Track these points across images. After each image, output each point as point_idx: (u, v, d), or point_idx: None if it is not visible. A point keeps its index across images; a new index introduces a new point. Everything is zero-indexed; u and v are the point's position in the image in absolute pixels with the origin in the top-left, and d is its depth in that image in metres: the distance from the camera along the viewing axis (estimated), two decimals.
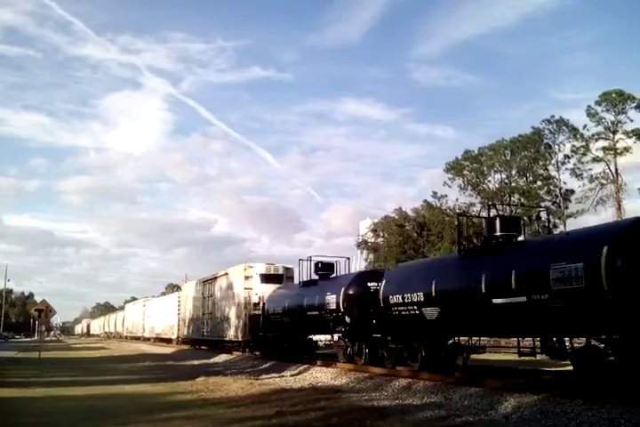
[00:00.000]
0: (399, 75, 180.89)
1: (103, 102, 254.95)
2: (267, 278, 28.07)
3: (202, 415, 10.85)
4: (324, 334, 23.41)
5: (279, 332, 24.12)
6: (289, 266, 29.15)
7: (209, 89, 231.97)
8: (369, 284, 18.63)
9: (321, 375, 18.02)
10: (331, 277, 21.94)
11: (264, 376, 18.73)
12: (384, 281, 17.06)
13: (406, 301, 15.32)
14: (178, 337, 45.19)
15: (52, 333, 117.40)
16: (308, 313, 20.88)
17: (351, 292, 18.81)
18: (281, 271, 28.73)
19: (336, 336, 20.82)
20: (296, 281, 26.41)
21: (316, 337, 25.08)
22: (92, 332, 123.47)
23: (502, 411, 10.51)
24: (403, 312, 15.55)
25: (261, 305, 26.23)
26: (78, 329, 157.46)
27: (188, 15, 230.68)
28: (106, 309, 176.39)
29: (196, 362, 27.33)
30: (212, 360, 28.68)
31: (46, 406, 12.43)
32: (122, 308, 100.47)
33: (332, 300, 19.25)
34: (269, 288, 26.90)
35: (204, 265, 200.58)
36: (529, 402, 10.54)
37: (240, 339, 28.25)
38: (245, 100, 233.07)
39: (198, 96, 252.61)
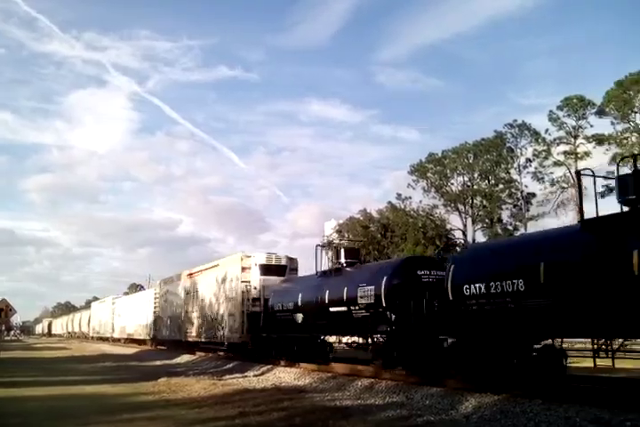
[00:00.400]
0: (365, 77, 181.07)
1: (67, 100, 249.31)
2: (267, 270, 24.51)
3: (164, 416, 10.80)
4: (355, 335, 19.33)
5: (288, 332, 20.67)
6: (292, 256, 25.83)
7: (175, 88, 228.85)
8: (419, 272, 15.48)
9: (284, 376, 18.03)
10: (359, 266, 19.09)
11: (227, 377, 18.68)
12: (452, 267, 13.44)
13: (493, 291, 11.88)
14: (154, 338, 41.29)
15: (11, 332, 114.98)
16: (332, 309, 17.52)
17: (396, 282, 15.31)
18: (284, 262, 25.10)
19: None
20: (300, 274, 24.60)
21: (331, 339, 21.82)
22: (53, 332, 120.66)
23: (463, 411, 10.64)
24: (486, 306, 12.14)
25: (262, 301, 23.39)
26: (39, 329, 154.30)
27: (154, 13, 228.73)
28: (67, 308, 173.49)
29: (158, 362, 27.13)
30: (174, 361, 28.46)
31: (6, 407, 12.20)
32: (85, 307, 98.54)
33: (368, 292, 15.85)
34: (270, 281, 23.84)
35: (168, 265, 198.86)
36: (489, 402, 10.69)
37: (236, 340, 24.49)
38: (212, 99, 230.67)
39: (164, 95, 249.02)
